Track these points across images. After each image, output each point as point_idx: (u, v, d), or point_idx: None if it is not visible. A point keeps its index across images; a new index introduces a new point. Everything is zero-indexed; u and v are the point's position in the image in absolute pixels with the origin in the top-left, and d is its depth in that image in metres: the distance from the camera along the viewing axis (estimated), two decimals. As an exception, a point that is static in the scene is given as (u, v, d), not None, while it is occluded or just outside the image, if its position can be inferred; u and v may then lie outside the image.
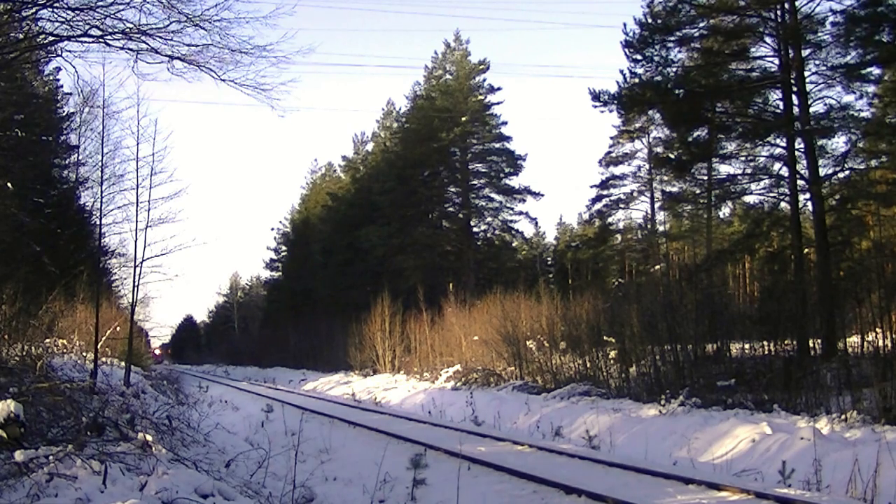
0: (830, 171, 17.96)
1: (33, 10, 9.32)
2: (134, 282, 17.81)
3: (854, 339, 13.88)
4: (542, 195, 38.75)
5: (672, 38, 19.04)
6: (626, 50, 19.51)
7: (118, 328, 20.54)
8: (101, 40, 9.02)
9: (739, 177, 19.92)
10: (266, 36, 43.46)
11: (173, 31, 9.07)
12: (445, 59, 40.13)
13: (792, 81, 17.36)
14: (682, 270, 20.79)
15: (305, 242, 53.39)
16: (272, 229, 68.69)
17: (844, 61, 16.85)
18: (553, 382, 18.65)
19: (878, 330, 12.86)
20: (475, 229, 40.21)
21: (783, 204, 19.06)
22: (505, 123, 39.35)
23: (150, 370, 30.68)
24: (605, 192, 35.80)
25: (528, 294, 23.95)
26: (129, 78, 40.44)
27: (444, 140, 37.72)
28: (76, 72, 21.97)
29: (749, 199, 22.34)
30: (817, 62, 17.50)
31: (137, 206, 17.25)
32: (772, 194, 19.50)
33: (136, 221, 17.20)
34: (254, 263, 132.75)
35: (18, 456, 5.81)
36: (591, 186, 36.08)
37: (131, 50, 9.22)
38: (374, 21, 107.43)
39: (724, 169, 21.96)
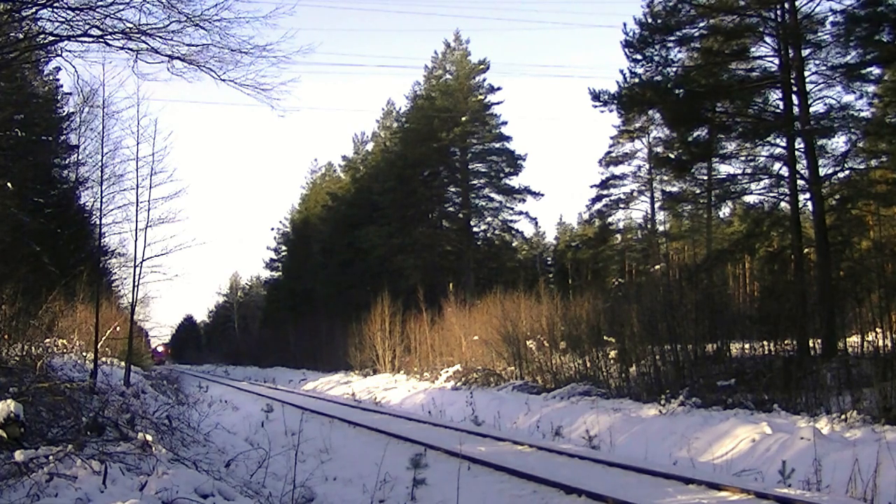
0: (830, 171, 17.93)
1: (33, 10, 9.31)
2: (134, 282, 17.85)
3: (854, 339, 13.89)
4: (542, 195, 38.84)
5: (672, 38, 19.01)
6: (626, 50, 19.50)
7: (118, 328, 20.55)
8: (101, 40, 9.02)
9: (739, 177, 19.89)
10: (266, 36, 43.44)
11: (173, 30, 9.08)
12: (445, 59, 40.13)
13: (792, 81, 17.33)
14: (682, 270, 20.73)
15: (305, 242, 53.39)
16: (272, 229, 68.83)
17: (844, 61, 16.82)
18: (553, 382, 18.65)
19: (878, 330, 12.88)
20: (475, 229, 40.25)
21: (783, 204, 19.05)
22: (505, 123, 39.45)
23: (150, 370, 30.68)
24: (605, 192, 35.78)
25: (528, 294, 23.93)
26: (129, 78, 40.49)
27: (444, 140, 37.71)
28: (76, 72, 21.87)
29: (749, 199, 22.33)
30: (817, 62, 17.49)
31: (137, 206, 17.30)
32: (772, 194, 19.49)
33: (136, 221, 17.25)
34: (254, 263, 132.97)
35: (18, 456, 5.80)
36: (591, 186, 36.08)
37: (131, 50, 9.22)
38: (374, 21, 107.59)
39: (724, 169, 21.95)
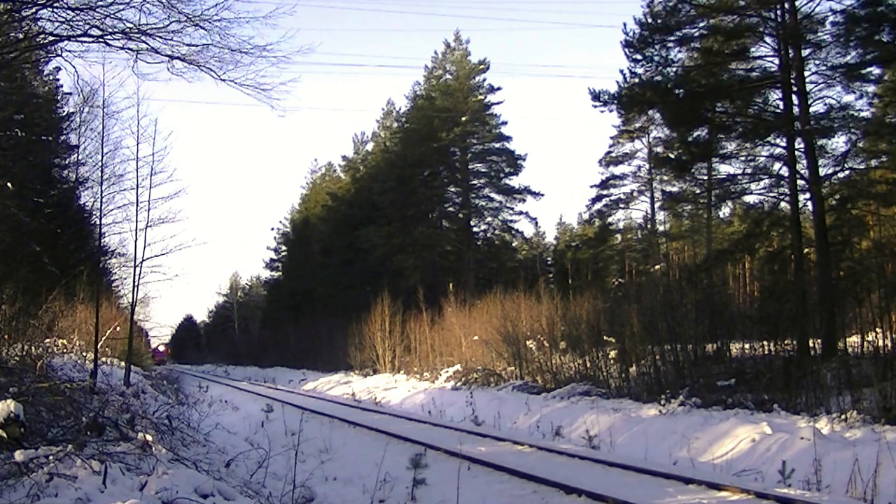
0: (830, 171, 17.94)
1: (33, 10, 9.31)
2: (134, 282, 17.89)
3: (854, 339, 13.89)
4: (542, 195, 38.90)
5: (672, 38, 19.01)
6: (626, 50, 19.50)
7: (118, 328, 20.56)
8: (101, 40, 9.02)
9: (739, 177, 19.89)
10: (266, 36, 43.56)
11: (173, 30, 9.08)
12: (445, 59, 40.14)
13: (792, 81, 17.33)
14: (682, 270, 20.73)
15: (305, 242, 53.41)
16: (272, 229, 68.87)
17: (844, 61, 16.81)
18: (553, 382, 18.65)
19: (878, 330, 12.87)
20: (475, 229, 40.27)
21: (783, 204, 19.05)
22: (505, 123, 39.49)
23: (150, 370, 30.68)
24: (605, 192, 35.84)
25: (528, 294, 23.92)
26: (129, 78, 40.49)
27: (444, 140, 37.73)
28: (76, 72, 21.95)
29: (749, 199, 22.34)
30: (817, 62, 17.48)
31: (137, 206, 17.35)
32: (772, 194, 19.49)
33: (136, 221, 17.30)
34: (254, 263, 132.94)
35: (18, 456, 5.81)
36: (591, 186, 36.15)
37: (131, 50, 9.22)
38: (374, 21, 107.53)
39: (724, 169, 21.94)
